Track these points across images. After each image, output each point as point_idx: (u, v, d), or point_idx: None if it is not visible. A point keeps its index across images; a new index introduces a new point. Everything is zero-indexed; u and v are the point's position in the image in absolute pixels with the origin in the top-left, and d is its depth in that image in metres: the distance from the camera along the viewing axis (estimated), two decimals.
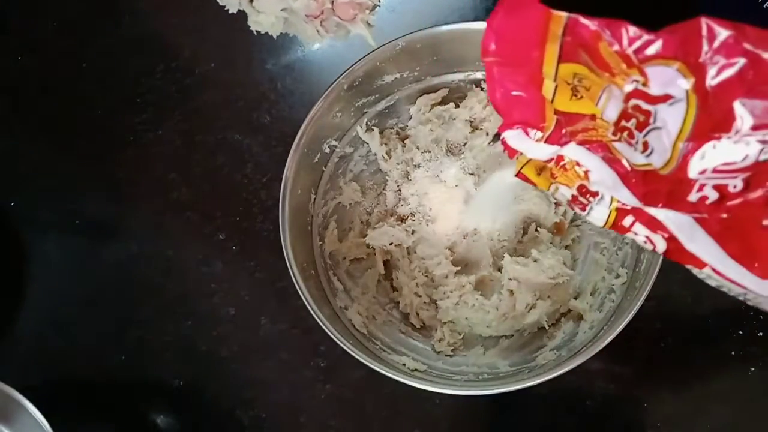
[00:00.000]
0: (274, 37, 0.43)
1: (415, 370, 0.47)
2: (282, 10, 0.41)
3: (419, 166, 0.54)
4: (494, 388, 0.43)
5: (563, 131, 0.37)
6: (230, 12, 0.42)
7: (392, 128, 0.55)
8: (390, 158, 0.54)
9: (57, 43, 0.64)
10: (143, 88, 0.61)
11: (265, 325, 0.55)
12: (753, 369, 0.50)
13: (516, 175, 0.40)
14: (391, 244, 0.53)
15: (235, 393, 0.53)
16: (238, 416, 0.53)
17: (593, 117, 0.35)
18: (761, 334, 0.50)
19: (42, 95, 0.62)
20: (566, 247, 0.53)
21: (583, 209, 0.39)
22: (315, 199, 0.51)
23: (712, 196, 0.32)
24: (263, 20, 0.42)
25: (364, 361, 0.43)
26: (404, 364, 0.47)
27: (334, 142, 0.52)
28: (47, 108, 0.62)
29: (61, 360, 0.55)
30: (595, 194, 0.38)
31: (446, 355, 0.50)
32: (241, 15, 0.63)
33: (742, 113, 0.29)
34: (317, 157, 0.51)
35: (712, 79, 0.29)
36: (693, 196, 0.32)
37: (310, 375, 0.53)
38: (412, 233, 0.53)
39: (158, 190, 0.59)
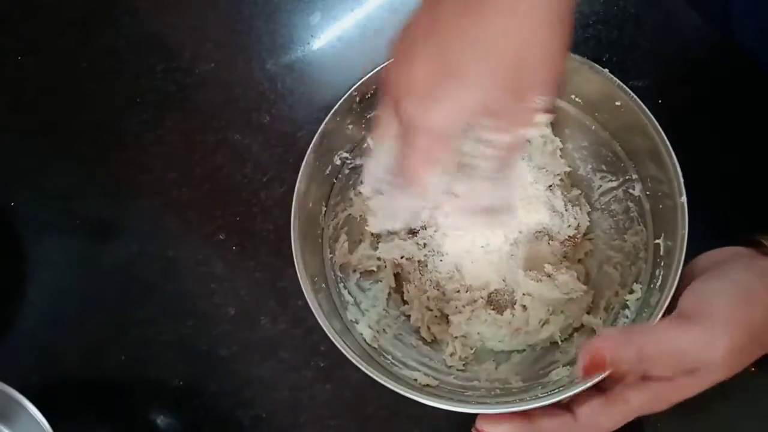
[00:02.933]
0: None
1: (427, 385, 0.47)
2: None
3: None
4: (508, 407, 0.42)
5: None
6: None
7: None
8: None
9: (57, 43, 0.64)
10: (143, 88, 0.61)
11: (265, 325, 0.55)
12: (753, 369, 0.50)
13: None
14: (402, 257, 0.52)
15: (235, 393, 0.53)
16: (238, 416, 0.53)
17: None
18: None
19: (42, 95, 0.62)
20: (579, 260, 0.52)
21: None
22: (326, 211, 0.51)
23: None
24: None
25: (377, 379, 0.43)
26: (415, 379, 0.47)
27: (345, 154, 0.52)
28: (47, 108, 0.62)
29: (61, 360, 0.55)
30: None
31: (458, 370, 0.50)
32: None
33: None
34: (328, 169, 0.51)
35: None
36: None
37: (310, 375, 0.53)
38: (424, 246, 0.52)
39: (158, 190, 0.59)
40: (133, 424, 0.54)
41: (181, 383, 0.54)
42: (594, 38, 0.59)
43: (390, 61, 0.39)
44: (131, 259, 0.57)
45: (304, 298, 0.54)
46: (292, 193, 0.57)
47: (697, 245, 0.44)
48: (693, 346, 0.39)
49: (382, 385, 0.52)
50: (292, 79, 0.61)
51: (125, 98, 0.61)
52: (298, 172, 0.58)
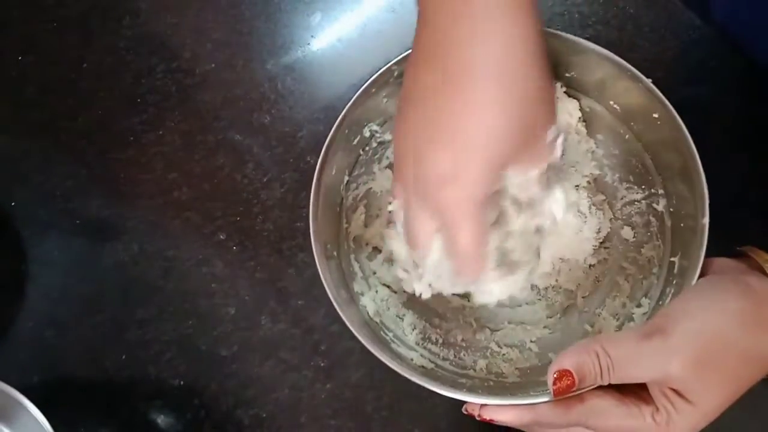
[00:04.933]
0: None
1: (422, 366, 0.47)
2: None
3: None
4: (499, 399, 0.42)
5: None
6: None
7: None
8: None
9: (57, 43, 0.64)
10: (143, 88, 0.61)
11: (265, 325, 0.55)
12: None
13: None
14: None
15: (235, 393, 0.53)
16: (238, 416, 0.53)
17: None
18: None
19: (42, 95, 0.62)
20: (591, 266, 0.52)
21: None
22: (348, 181, 0.51)
23: None
24: None
25: (374, 351, 0.43)
26: (412, 359, 0.47)
27: (375, 127, 0.52)
28: (47, 108, 0.62)
29: (61, 360, 0.55)
30: None
31: (455, 356, 0.50)
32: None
33: None
34: (357, 139, 0.51)
35: None
36: None
37: (310, 375, 0.53)
38: None
39: (158, 190, 0.59)
40: (133, 424, 0.54)
41: (181, 383, 0.54)
42: (594, 38, 0.58)
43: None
44: (131, 259, 0.57)
45: (305, 297, 0.55)
46: (293, 193, 0.57)
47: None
48: (650, 360, 0.38)
49: (382, 385, 0.52)
50: (292, 79, 0.61)
51: (125, 98, 0.61)
52: (298, 172, 0.58)
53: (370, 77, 0.48)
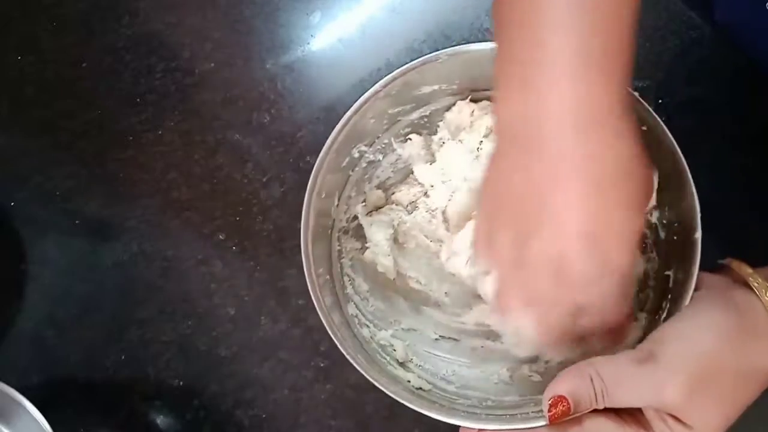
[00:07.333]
0: None
1: (420, 388, 0.47)
2: None
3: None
4: (498, 423, 0.42)
5: None
6: None
7: (420, 134, 0.54)
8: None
9: (57, 43, 0.64)
10: (143, 88, 0.61)
11: (265, 325, 0.55)
12: None
13: None
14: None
15: (235, 393, 0.53)
16: (238, 416, 0.53)
17: None
18: None
19: (42, 95, 0.62)
20: None
21: None
22: (338, 203, 0.51)
23: None
24: None
25: (369, 378, 0.43)
26: (409, 381, 0.47)
27: (363, 148, 0.51)
28: (47, 108, 0.62)
29: (61, 360, 0.55)
30: None
31: (453, 376, 0.49)
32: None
33: None
34: (345, 161, 0.51)
35: None
36: None
37: (310, 375, 0.53)
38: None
39: (158, 190, 0.59)
40: (133, 424, 0.54)
41: (181, 383, 0.54)
42: None
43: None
44: (131, 259, 0.57)
45: (305, 297, 0.55)
46: (292, 193, 0.57)
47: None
48: (642, 387, 0.38)
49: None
50: (292, 79, 0.61)
51: (125, 98, 0.61)
52: (298, 172, 0.58)
53: (360, 96, 0.48)
